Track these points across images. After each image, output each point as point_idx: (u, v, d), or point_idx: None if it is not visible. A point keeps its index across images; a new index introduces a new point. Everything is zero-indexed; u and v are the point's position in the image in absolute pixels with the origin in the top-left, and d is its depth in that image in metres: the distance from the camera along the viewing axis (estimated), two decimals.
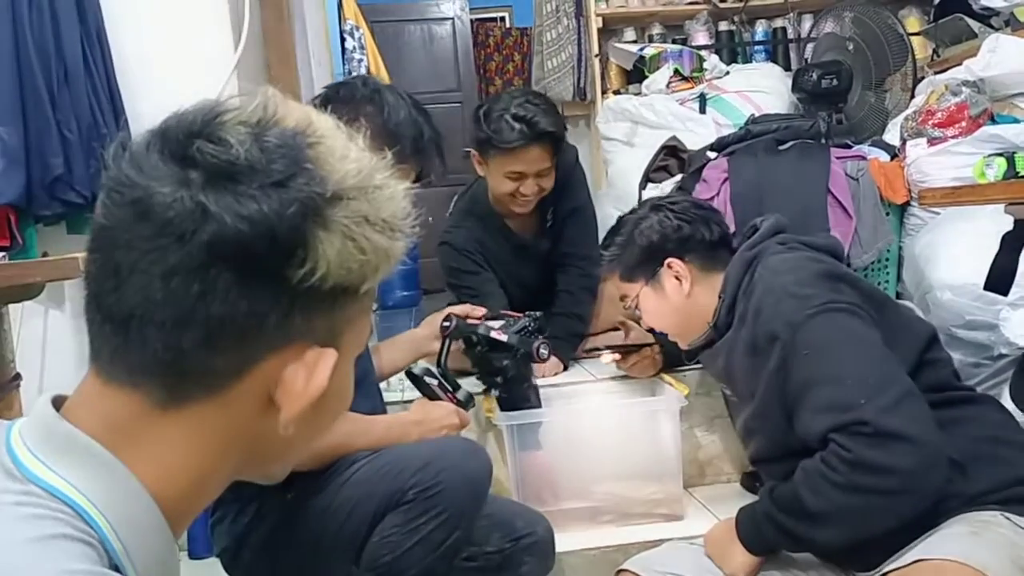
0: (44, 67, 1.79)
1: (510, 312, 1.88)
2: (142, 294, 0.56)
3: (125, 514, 0.57)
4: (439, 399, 1.63)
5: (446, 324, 1.76)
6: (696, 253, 1.63)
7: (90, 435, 0.57)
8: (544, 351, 1.76)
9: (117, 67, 1.93)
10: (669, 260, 1.63)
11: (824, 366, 1.37)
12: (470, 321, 1.83)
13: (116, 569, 0.55)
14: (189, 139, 0.56)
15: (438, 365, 1.73)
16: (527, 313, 1.85)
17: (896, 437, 1.27)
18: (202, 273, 0.55)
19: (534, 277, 2.05)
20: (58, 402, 0.61)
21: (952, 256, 2.13)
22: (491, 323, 1.81)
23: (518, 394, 1.88)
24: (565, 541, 1.73)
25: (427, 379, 1.66)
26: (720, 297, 1.59)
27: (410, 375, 1.70)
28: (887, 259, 2.47)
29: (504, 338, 1.74)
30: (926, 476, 1.28)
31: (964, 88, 2.35)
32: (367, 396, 1.56)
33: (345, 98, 1.52)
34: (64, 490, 0.55)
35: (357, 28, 4.34)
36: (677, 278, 1.62)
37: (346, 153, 0.61)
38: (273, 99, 0.61)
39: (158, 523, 0.59)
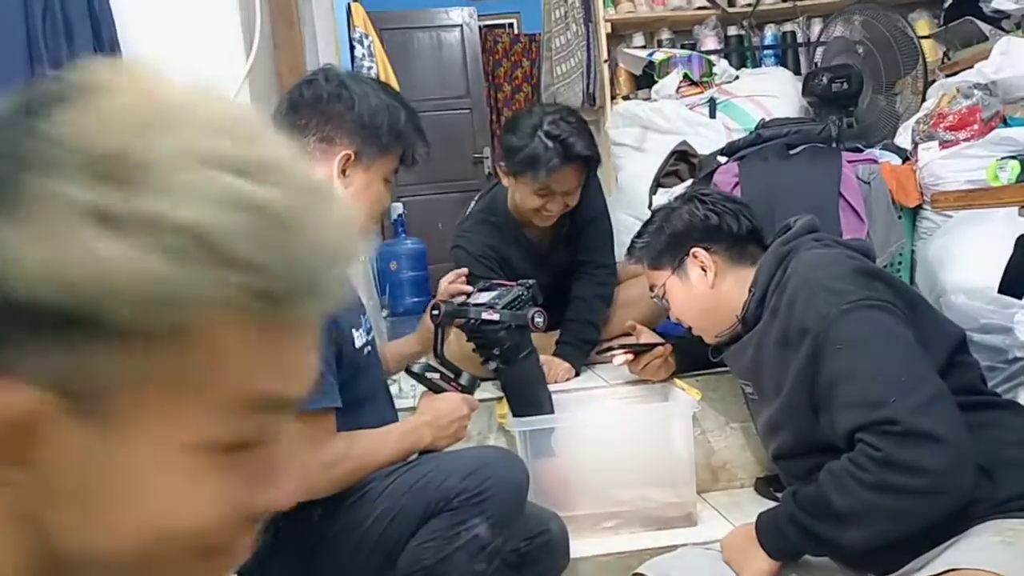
0: (55, 67, 1.80)
1: (502, 281, 1.84)
2: None
3: None
4: (443, 390, 1.62)
5: (435, 312, 1.74)
6: (722, 244, 1.65)
7: None
8: (539, 320, 1.72)
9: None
10: (694, 249, 1.64)
11: (856, 362, 1.37)
12: (458, 303, 1.79)
13: None
14: None
15: (436, 356, 1.72)
16: (520, 281, 1.81)
17: (927, 437, 1.27)
18: None
19: (548, 284, 2.05)
20: None
21: (966, 259, 2.13)
22: (481, 297, 1.78)
23: (519, 367, 1.84)
24: (578, 547, 1.72)
25: (428, 374, 1.65)
26: (750, 291, 1.60)
27: (410, 372, 1.69)
28: (900, 263, 2.46)
29: (496, 316, 1.70)
30: (957, 477, 1.27)
31: (976, 91, 2.34)
32: (378, 410, 1.57)
33: (311, 100, 1.49)
34: None
35: (366, 36, 4.35)
36: (702, 268, 1.64)
37: (119, 85, 0.43)
38: None
39: None
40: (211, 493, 0.45)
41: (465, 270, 1.90)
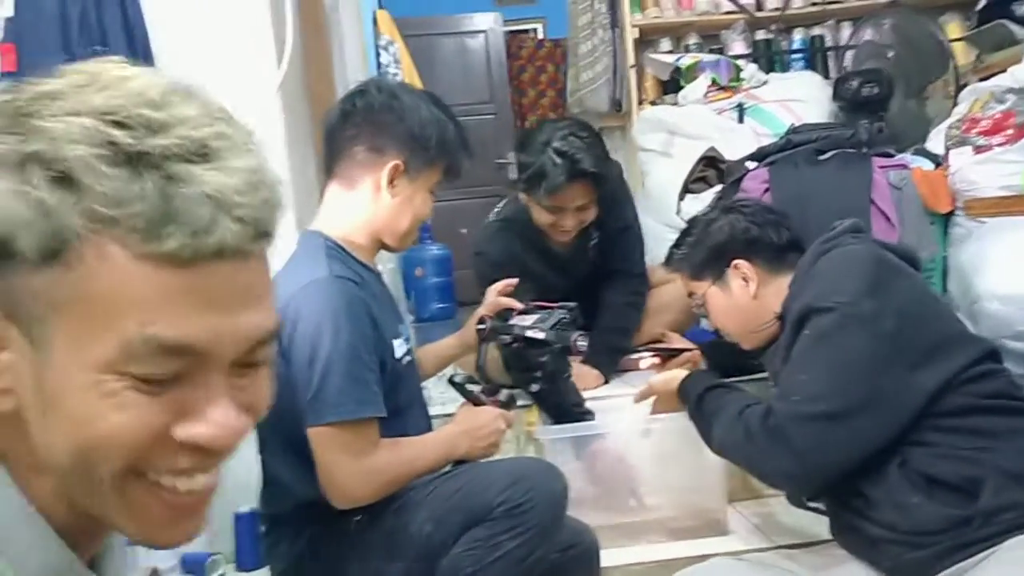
0: None
1: (544, 303, 1.85)
2: None
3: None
4: (482, 404, 1.64)
5: (480, 327, 1.75)
6: (763, 256, 1.67)
7: None
8: (581, 343, 1.73)
9: None
10: (736, 261, 1.66)
11: (805, 354, 1.48)
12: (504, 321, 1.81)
13: None
14: None
15: (477, 370, 1.74)
16: (561, 304, 1.82)
17: (784, 442, 1.41)
18: None
19: (568, 293, 2.04)
20: None
21: (1000, 265, 2.10)
22: (524, 318, 1.79)
23: (558, 388, 1.86)
24: (608, 556, 1.73)
25: (469, 386, 1.67)
26: (790, 288, 1.61)
27: (452, 383, 1.71)
28: (932, 269, 2.43)
29: (541, 335, 1.71)
30: (788, 483, 1.56)
31: (1009, 95, 2.31)
32: (415, 419, 1.59)
33: (363, 110, 1.52)
34: None
35: (392, 42, 4.37)
36: (744, 279, 1.65)
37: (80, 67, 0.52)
38: None
39: (35, 522, 0.54)
40: (126, 413, 0.51)
41: (515, 280, 1.89)
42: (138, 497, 0.54)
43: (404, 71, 4.43)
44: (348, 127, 1.53)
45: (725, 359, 1.96)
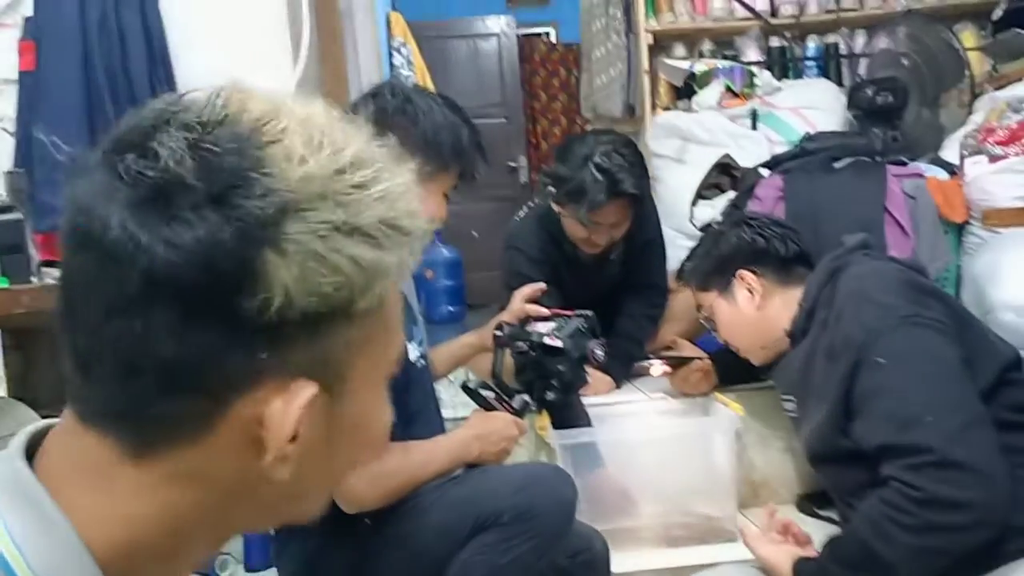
0: (112, 89, 1.84)
1: (561, 311, 1.82)
2: (92, 336, 0.50)
3: (57, 572, 0.50)
4: (495, 410, 1.63)
5: (498, 333, 1.74)
6: (770, 267, 1.67)
7: (52, 476, 0.52)
8: (599, 353, 1.70)
9: (180, 85, 1.98)
10: (741, 272, 1.66)
11: (895, 377, 1.37)
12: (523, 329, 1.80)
13: None
14: (120, 154, 0.48)
15: (492, 375, 1.73)
16: (578, 312, 1.79)
17: (962, 468, 1.26)
18: (142, 311, 0.48)
19: (587, 301, 2.03)
20: (43, 433, 0.56)
21: (1015, 276, 2.09)
22: (541, 325, 1.77)
23: (573, 398, 1.86)
24: (619, 562, 1.73)
25: (483, 391, 1.66)
26: (800, 305, 1.60)
27: (466, 388, 1.70)
28: (946, 279, 2.42)
29: (559, 343, 1.69)
30: (996, 507, 1.26)
31: None
32: (429, 422, 1.58)
33: (376, 113, 1.50)
34: None
35: (405, 45, 4.38)
36: (749, 290, 1.65)
37: (310, 151, 0.50)
38: (233, 91, 0.52)
39: None
40: (388, 406, 0.60)
41: (542, 285, 1.87)
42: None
43: (417, 73, 4.44)
44: None
45: (734, 367, 1.95)
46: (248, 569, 2.03)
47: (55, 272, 1.37)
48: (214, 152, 0.48)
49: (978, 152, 2.33)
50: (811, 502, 2.05)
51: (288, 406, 0.50)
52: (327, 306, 0.49)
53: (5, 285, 1.26)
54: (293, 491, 0.55)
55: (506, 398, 1.65)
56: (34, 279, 1.35)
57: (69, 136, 1.80)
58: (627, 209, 2.14)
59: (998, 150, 2.27)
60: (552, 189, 2.19)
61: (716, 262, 1.72)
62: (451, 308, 4.52)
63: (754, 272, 1.67)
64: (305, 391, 0.51)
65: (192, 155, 0.48)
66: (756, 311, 1.66)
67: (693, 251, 1.80)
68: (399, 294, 0.56)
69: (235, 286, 0.47)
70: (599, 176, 2.07)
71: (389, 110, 1.50)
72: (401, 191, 0.53)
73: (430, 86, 4.46)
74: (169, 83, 1.97)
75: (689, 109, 3.28)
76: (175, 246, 0.46)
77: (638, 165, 2.14)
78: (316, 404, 0.51)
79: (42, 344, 1.28)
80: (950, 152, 2.61)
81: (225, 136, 0.49)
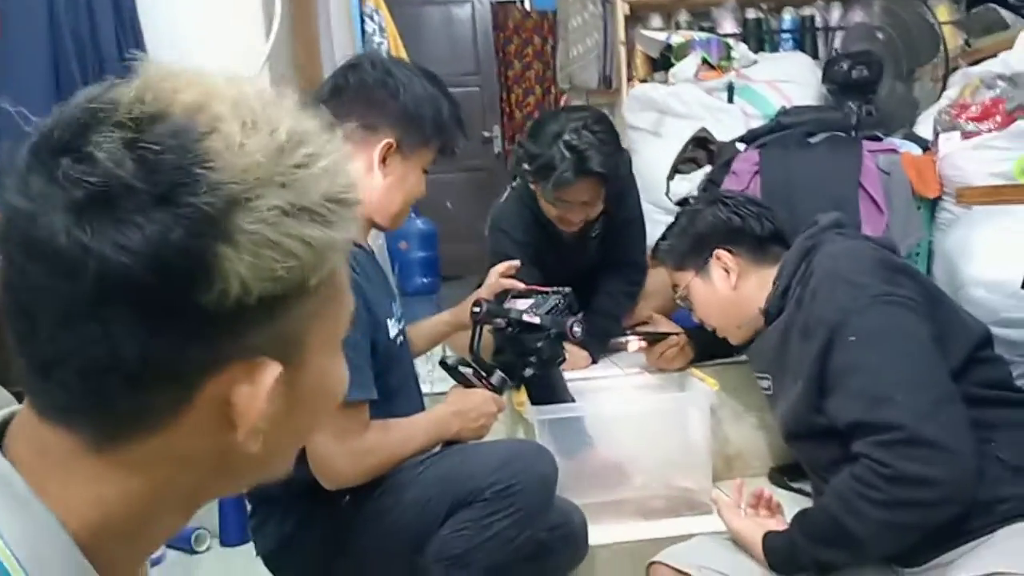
0: (80, 58, 1.80)
1: (539, 287, 1.82)
2: (49, 342, 0.49)
3: (37, 553, 0.50)
4: (474, 387, 1.64)
5: (476, 310, 1.74)
6: (745, 246, 1.67)
7: (21, 462, 0.53)
8: (577, 329, 1.69)
9: (150, 57, 1.93)
10: (717, 251, 1.66)
11: (867, 355, 1.39)
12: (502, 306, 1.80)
13: None
14: (55, 158, 0.48)
15: (470, 352, 1.73)
16: (555, 289, 1.79)
17: (932, 446, 1.28)
18: (98, 316, 0.48)
19: (571, 278, 2.02)
20: (10, 419, 0.56)
21: (986, 252, 2.12)
22: (519, 302, 1.77)
23: (552, 374, 1.86)
24: (595, 534, 1.75)
25: (461, 368, 1.66)
26: (774, 283, 1.61)
27: (444, 365, 1.70)
28: (917, 254, 2.45)
29: (536, 320, 1.69)
30: (964, 485, 1.29)
31: (999, 82, 2.32)
32: (409, 399, 1.58)
33: (356, 86, 1.48)
34: None
35: (377, 11, 4.31)
36: (725, 269, 1.66)
37: (247, 135, 0.50)
38: (155, 80, 0.51)
39: (76, 564, 0.52)
40: (341, 372, 0.61)
41: (516, 262, 1.86)
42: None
43: (389, 40, 4.37)
44: (340, 103, 1.47)
45: (710, 343, 1.97)
46: (223, 544, 2.02)
47: None
48: (153, 151, 0.47)
49: (952, 128, 2.34)
50: (783, 474, 2.09)
51: (255, 387, 0.52)
52: (283, 288, 0.50)
53: None
54: (262, 459, 0.56)
55: (484, 375, 1.65)
56: None
57: (36, 107, 1.75)
58: (597, 188, 2.13)
59: (971, 126, 2.29)
60: (525, 166, 2.18)
61: (692, 241, 1.71)
62: (425, 280, 4.49)
63: (730, 251, 1.67)
64: (271, 370, 0.52)
65: (131, 156, 0.47)
66: (732, 291, 1.66)
67: (668, 230, 1.79)
68: (347, 259, 0.58)
69: (190, 283, 0.48)
70: (567, 154, 2.05)
71: (369, 82, 1.48)
72: (339, 163, 0.54)
73: (403, 54, 4.40)
74: (139, 51, 1.92)
75: (666, 81, 3.26)
76: (125, 249, 0.46)
77: (609, 143, 2.12)
78: (280, 378, 0.53)
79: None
80: (924, 127, 2.63)
81: (162, 132, 0.48)
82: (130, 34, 1.88)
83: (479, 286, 1.86)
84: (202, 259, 0.47)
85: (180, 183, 0.47)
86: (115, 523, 0.53)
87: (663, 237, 1.80)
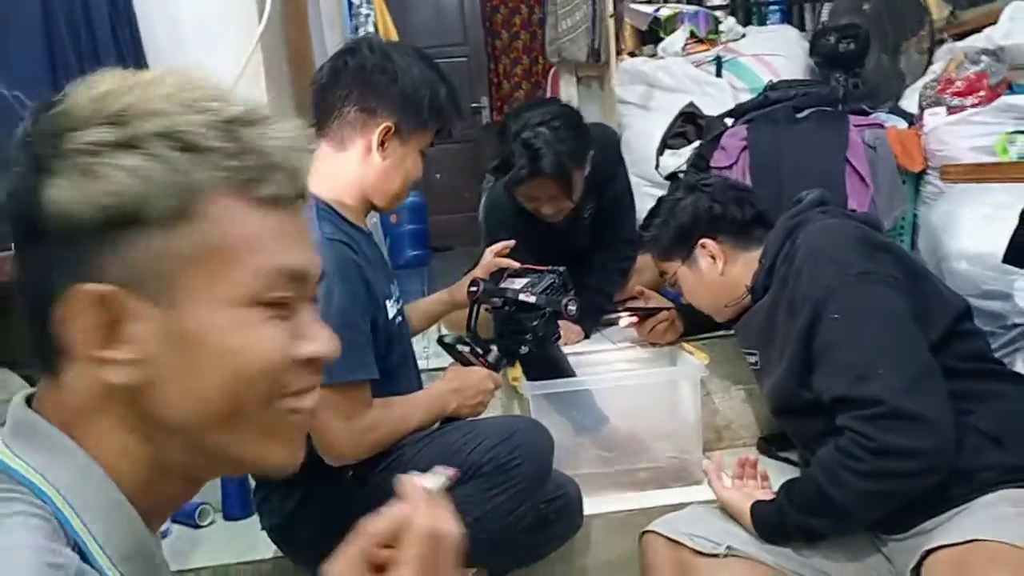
0: (74, 39, 1.80)
1: (534, 266, 1.85)
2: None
3: (84, 495, 0.58)
4: (472, 364, 1.67)
5: (473, 289, 1.77)
6: (729, 232, 1.70)
7: (53, 421, 0.60)
8: (572, 308, 1.73)
9: (144, 40, 1.93)
10: (702, 240, 1.69)
11: (849, 332, 1.43)
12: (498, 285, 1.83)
13: (76, 545, 0.57)
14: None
15: (468, 330, 1.77)
16: (550, 268, 1.82)
17: (913, 419, 1.33)
18: (16, 257, 0.61)
19: (564, 257, 2.04)
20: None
21: (969, 226, 2.16)
22: (515, 281, 1.80)
23: (548, 352, 1.90)
24: (588, 505, 1.78)
25: (459, 346, 1.70)
26: (760, 262, 1.64)
27: (442, 343, 1.74)
28: (902, 227, 2.49)
29: (532, 299, 1.73)
30: (943, 454, 1.34)
31: (983, 57, 2.35)
32: (407, 377, 1.62)
33: (354, 70, 1.50)
34: (22, 471, 0.58)
35: None
36: (711, 257, 1.69)
37: (92, 92, 0.59)
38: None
39: (119, 503, 0.60)
40: (266, 338, 0.61)
41: (511, 242, 1.89)
42: (274, 423, 0.63)
43: (376, 12, 4.35)
44: (339, 87, 1.50)
45: (699, 318, 2.01)
46: (226, 518, 2.07)
47: None
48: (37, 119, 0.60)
49: (937, 103, 2.38)
50: (771, 444, 2.14)
51: (85, 306, 0.58)
52: (113, 215, 0.57)
53: None
54: (189, 417, 0.60)
55: (481, 352, 1.69)
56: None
57: (33, 92, 1.76)
58: (552, 186, 2.10)
59: (956, 101, 2.32)
60: (493, 163, 2.19)
61: (676, 233, 1.73)
62: (415, 252, 4.51)
63: (714, 239, 1.70)
64: (97, 288, 0.57)
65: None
66: (720, 276, 1.70)
67: (649, 220, 1.80)
68: (242, 219, 0.60)
69: (32, 214, 0.57)
70: (523, 152, 2.05)
71: (368, 67, 1.50)
72: (183, 117, 0.58)
73: (390, 25, 4.37)
74: (133, 35, 1.93)
75: (654, 55, 3.28)
76: (9, 198, 0.59)
77: (568, 140, 2.08)
78: (140, 315, 0.58)
79: (13, 306, 1.27)
80: (910, 101, 2.66)
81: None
82: (123, 16, 1.89)
83: (474, 265, 1.89)
84: (35, 191, 0.57)
85: (34, 121, 0.59)
86: (132, 473, 0.61)
87: (644, 227, 1.81)
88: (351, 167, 1.52)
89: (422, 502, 0.68)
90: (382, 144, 1.50)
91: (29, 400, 0.62)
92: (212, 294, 0.59)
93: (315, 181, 1.53)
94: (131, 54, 1.88)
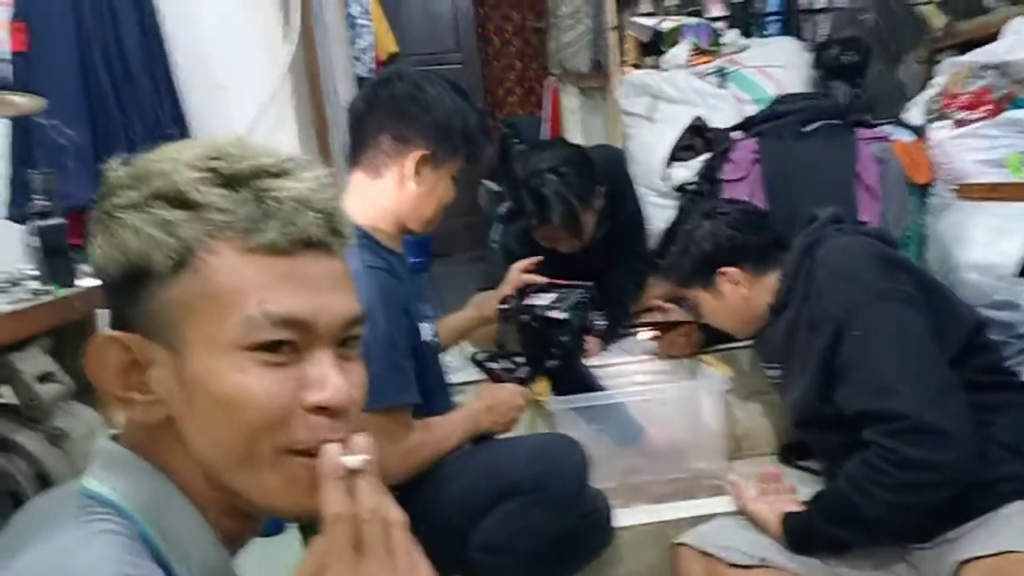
0: (108, 68, 1.82)
1: (559, 282, 1.88)
2: None
3: (165, 513, 0.64)
4: (503, 381, 1.71)
5: (504, 306, 1.81)
6: (749, 259, 1.73)
7: (134, 448, 0.67)
8: (599, 324, 1.78)
9: (173, 66, 1.96)
10: (723, 269, 1.72)
11: (871, 349, 1.48)
12: (525, 302, 1.87)
13: (157, 559, 0.62)
14: None
15: (497, 347, 1.81)
16: (576, 284, 1.86)
17: (935, 432, 1.38)
18: None
19: (582, 275, 2.08)
20: None
21: (979, 237, 2.19)
22: (541, 296, 1.83)
23: (575, 367, 1.94)
24: (619, 518, 1.81)
25: (490, 364, 1.74)
26: (780, 281, 1.68)
27: (475, 361, 1.78)
28: (909, 238, 2.54)
29: (562, 316, 1.77)
30: (965, 467, 1.39)
31: (987, 71, 2.40)
32: (443, 397, 1.66)
33: (387, 100, 1.54)
34: (106, 494, 0.64)
35: None
36: (734, 283, 1.72)
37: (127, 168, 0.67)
38: None
39: (197, 521, 0.66)
40: (268, 383, 0.63)
41: (538, 258, 1.93)
42: (292, 469, 0.65)
43: (375, 21, 4.36)
44: (372, 117, 1.54)
45: (718, 330, 2.05)
46: (261, 534, 2.08)
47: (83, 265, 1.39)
48: None
49: (942, 117, 2.43)
50: (791, 453, 2.18)
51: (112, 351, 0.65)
52: (129, 268, 0.63)
53: (62, 293, 1.26)
54: (203, 455, 0.65)
55: (512, 368, 1.73)
56: (77, 282, 1.36)
57: (69, 119, 1.78)
58: (564, 229, 2.17)
59: (962, 115, 2.37)
60: (499, 210, 2.27)
61: (695, 262, 1.77)
62: (418, 259, 4.52)
63: (736, 266, 1.73)
64: (123, 334, 0.65)
65: None
66: (742, 300, 1.74)
67: (665, 248, 1.85)
68: (228, 268, 0.64)
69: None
70: (531, 200, 2.11)
71: (400, 97, 1.54)
72: (182, 167, 0.64)
73: (388, 35, 4.39)
74: (162, 60, 1.95)
75: (657, 66, 3.31)
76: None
77: (576, 185, 2.14)
78: (159, 359, 0.64)
79: (71, 338, 1.30)
80: (914, 114, 2.70)
81: None
82: (153, 44, 1.91)
83: (488, 282, 1.93)
84: (87, 248, 0.67)
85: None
86: (205, 495, 0.66)
87: (660, 255, 1.85)
88: (386, 194, 1.55)
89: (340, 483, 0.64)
90: (417, 172, 1.53)
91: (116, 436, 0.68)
92: (210, 340, 0.63)
93: (351, 208, 1.58)
94: (164, 86, 1.90)
